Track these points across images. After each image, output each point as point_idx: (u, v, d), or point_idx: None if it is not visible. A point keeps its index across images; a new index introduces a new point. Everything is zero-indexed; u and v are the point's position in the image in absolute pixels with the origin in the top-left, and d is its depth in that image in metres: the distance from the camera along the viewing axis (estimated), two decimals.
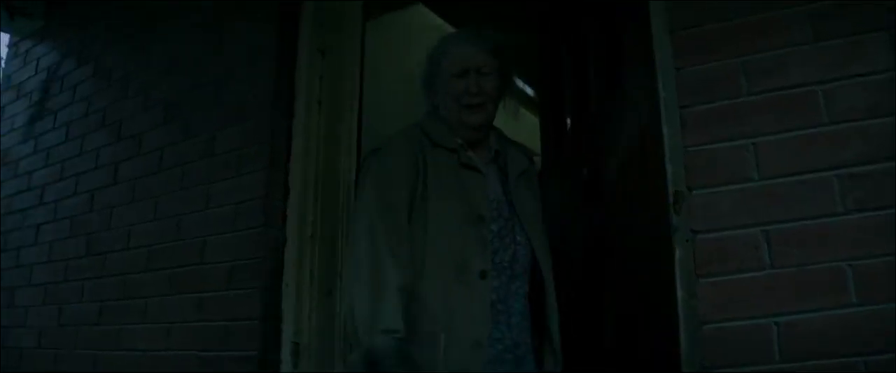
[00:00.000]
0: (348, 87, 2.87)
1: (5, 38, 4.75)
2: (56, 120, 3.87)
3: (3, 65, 4.60)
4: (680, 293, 1.80)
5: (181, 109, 3.18)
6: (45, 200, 3.71)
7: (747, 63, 1.86)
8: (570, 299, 2.19)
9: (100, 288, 3.26)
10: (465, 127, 2.10)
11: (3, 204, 3.99)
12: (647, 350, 2.06)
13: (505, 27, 2.28)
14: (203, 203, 2.90)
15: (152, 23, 3.54)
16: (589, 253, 2.52)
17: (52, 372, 3.37)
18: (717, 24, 1.92)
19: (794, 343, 1.68)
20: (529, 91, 5.04)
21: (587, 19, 2.80)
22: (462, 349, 1.86)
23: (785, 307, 1.69)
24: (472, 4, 3.67)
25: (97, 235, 3.36)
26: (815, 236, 1.70)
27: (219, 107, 3.01)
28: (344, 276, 2.61)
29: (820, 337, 1.66)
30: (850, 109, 1.73)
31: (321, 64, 2.90)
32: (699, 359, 1.75)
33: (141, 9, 3.64)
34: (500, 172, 2.15)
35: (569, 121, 2.97)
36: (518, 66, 2.36)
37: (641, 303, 2.11)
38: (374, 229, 1.88)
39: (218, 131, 2.96)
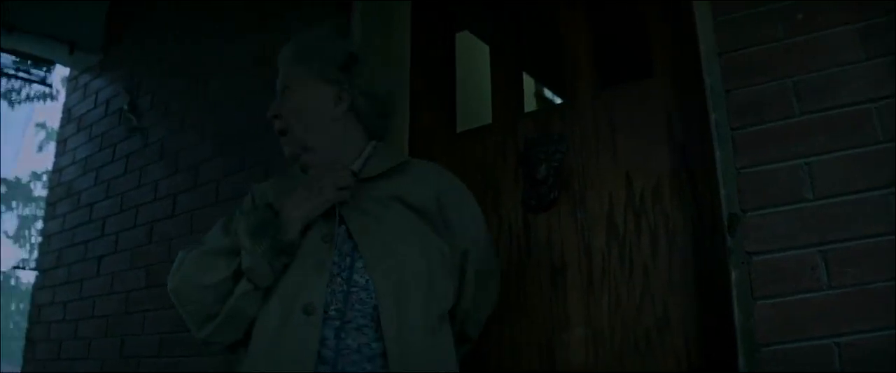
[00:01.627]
0: (398, 123, 2.91)
1: (64, 71, 4.94)
2: (115, 153, 4.00)
3: (63, 98, 4.77)
4: (737, 316, 1.82)
5: (236, 141, 3.27)
6: (107, 232, 3.84)
7: (798, 83, 1.88)
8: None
9: (159, 320, 3.35)
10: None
11: (67, 236, 4.13)
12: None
13: None
14: None
15: (207, 56, 3.65)
16: None
17: None
18: (765, 46, 1.95)
19: (855, 363, 1.67)
20: None
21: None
22: None
23: (844, 327, 1.69)
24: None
25: (156, 266, 3.46)
26: (873, 255, 1.70)
27: (272, 138, 3.08)
28: None
29: (881, 356, 1.66)
30: None
31: None
32: None
33: (196, 43, 3.75)
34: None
35: None
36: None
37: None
38: None
39: (271, 163, 3.04)
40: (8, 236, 26.64)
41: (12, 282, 26.54)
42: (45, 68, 4.86)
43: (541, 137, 2.53)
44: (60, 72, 5.16)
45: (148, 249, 3.55)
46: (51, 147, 4.92)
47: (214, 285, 1.75)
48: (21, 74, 4.79)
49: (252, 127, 3.21)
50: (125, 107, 4.00)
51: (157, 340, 3.33)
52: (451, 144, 2.79)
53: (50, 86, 4.76)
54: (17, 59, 4.73)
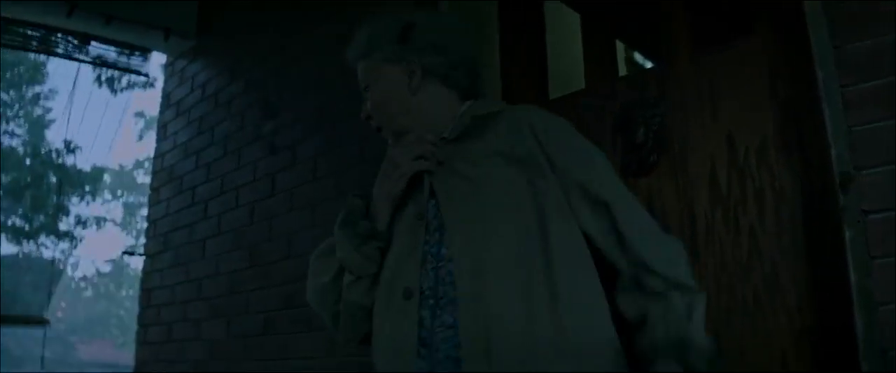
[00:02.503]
0: (489, 85, 2.90)
1: (161, 58, 5.08)
2: (213, 136, 4.10)
3: (161, 85, 4.90)
4: (853, 276, 1.78)
5: (331, 119, 3.33)
6: (209, 215, 3.95)
7: None
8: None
9: (264, 299, 3.45)
10: None
11: (171, 220, 4.26)
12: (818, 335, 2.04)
13: None
14: None
15: (298, 36, 3.70)
16: None
17: None
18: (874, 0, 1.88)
19: None
20: None
21: None
22: None
23: None
24: None
25: (259, 246, 3.54)
26: None
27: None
28: None
29: None
30: None
31: None
32: (877, 342, 1.72)
33: (287, 23, 3.81)
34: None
35: None
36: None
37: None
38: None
39: (366, 138, 3.07)
40: (115, 224, 27.62)
41: (130, 270, 27.49)
42: (141, 56, 5.00)
43: (638, 100, 2.50)
44: (158, 59, 5.30)
45: (250, 230, 3.64)
46: (150, 136, 5.07)
47: (330, 283, 1.76)
48: (120, 65, 4.93)
49: (344, 103, 3.25)
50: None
51: (262, 319, 3.42)
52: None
53: (147, 76, 4.90)
54: (117, 49, 4.87)
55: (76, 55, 4.81)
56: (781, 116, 2.18)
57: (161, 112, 4.81)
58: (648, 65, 4.16)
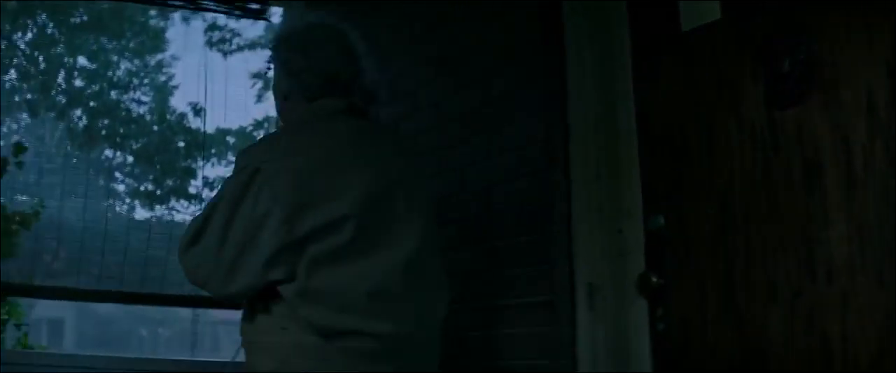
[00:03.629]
0: (617, 30, 2.78)
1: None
2: None
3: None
4: None
5: (452, 62, 3.24)
6: None
7: None
8: None
9: None
10: None
11: None
12: None
13: None
14: (484, 152, 2.95)
15: None
16: None
17: None
18: None
19: None
20: None
21: None
22: None
23: None
24: None
25: None
26: None
27: (488, 54, 3.03)
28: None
29: None
30: None
31: None
32: None
33: None
34: None
35: None
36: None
37: None
38: None
39: (490, 79, 2.98)
40: None
41: None
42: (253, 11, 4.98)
43: (781, 28, 2.32)
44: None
45: None
46: (268, 96, 5.05)
47: None
48: (236, 11, 4.91)
49: (465, 45, 3.20)
50: None
51: None
52: (677, 43, 2.62)
53: (268, 20, 4.87)
54: (227, 6, 4.86)
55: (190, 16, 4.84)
56: None
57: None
58: None
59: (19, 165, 4.66)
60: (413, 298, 2.24)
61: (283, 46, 2.50)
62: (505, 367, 2.75)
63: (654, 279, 2.48)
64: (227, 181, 2.25)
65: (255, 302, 2.20)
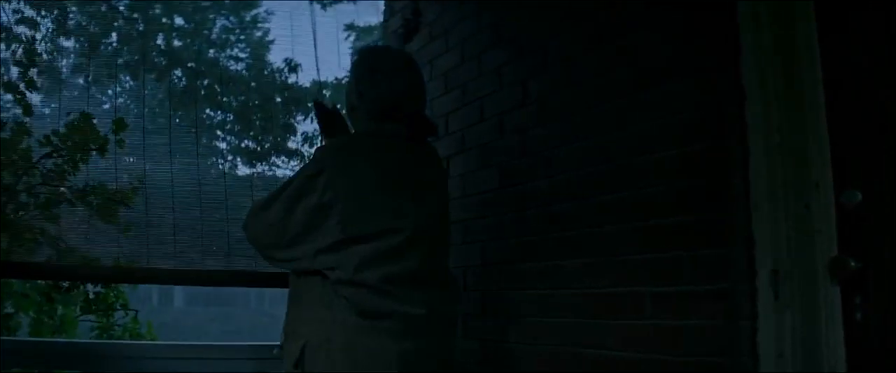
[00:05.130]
0: None
1: None
2: (448, 41, 3.73)
3: None
4: None
5: (589, 11, 2.85)
6: (451, 130, 3.62)
7: None
8: None
9: (520, 223, 3.10)
10: None
11: None
12: None
13: None
14: (635, 118, 2.59)
15: None
16: None
17: (479, 313, 3.32)
18: None
19: None
20: None
21: None
22: None
23: None
24: None
25: (509, 164, 3.19)
26: None
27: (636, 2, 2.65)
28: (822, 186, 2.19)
29: None
30: None
31: None
32: None
33: None
34: None
35: None
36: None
37: None
38: None
39: (640, 33, 2.60)
40: None
41: None
42: None
43: None
44: None
45: (497, 145, 3.28)
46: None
47: None
48: None
49: None
50: None
51: (520, 243, 3.10)
52: None
53: None
54: None
55: None
56: None
57: (385, 20, 4.48)
58: None
59: (120, 143, 4.47)
60: (437, 289, 2.71)
61: (360, 63, 2.89)
62: (670, 363, 2.40)
63: (852, 264, 2.10)
64: (302, 168, 2.76)
65: (300, 283, 2.70)
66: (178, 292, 27.66)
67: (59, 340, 5.31)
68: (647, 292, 2.47)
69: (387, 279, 2.54)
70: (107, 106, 5.54)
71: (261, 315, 23.29)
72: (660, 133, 2.49)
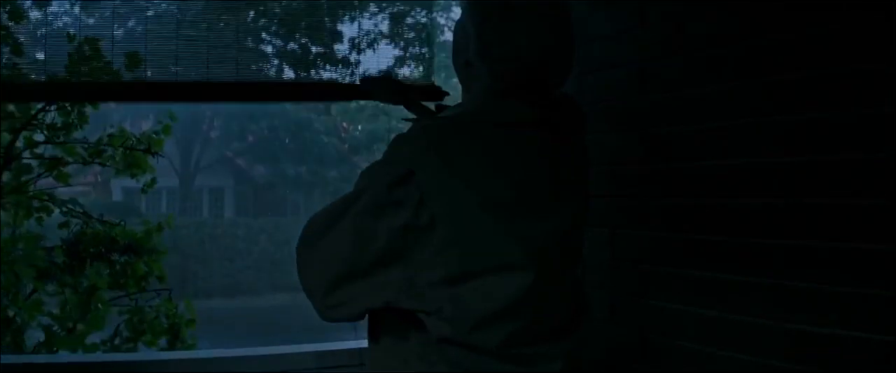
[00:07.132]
0: None
1: None
2: None
3: None
4: None
5: None
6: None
7: None
8: None
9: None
10: None
11: None
12: None
13: None
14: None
15: None
16: None
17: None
18: None
19: None
20: None
21: None
22: None
23: None
24: None
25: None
26: None
27: None
28: None
29: None
30: None
31: None
32: None
33: None
34: None
35: None
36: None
37: None
38: None
39: None
40: (384, 36, 28.23)
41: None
42: None
43: None
44: None
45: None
46: None
47: None
48: None
49: None
50: None
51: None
52: None
53: None
54: None
55: None
56: None
57: None
58: None
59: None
60: (575, 330, 1.90)
61: (482, 5, 1.85)
62: None
63: None
64: (369, 171, 1.80)
65: (386, 324, 1.87)
66: (229, 197, 27.69)
67: (69, 358, 4.78)
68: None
69: (512, 340, 1.75)
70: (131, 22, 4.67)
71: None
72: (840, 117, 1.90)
